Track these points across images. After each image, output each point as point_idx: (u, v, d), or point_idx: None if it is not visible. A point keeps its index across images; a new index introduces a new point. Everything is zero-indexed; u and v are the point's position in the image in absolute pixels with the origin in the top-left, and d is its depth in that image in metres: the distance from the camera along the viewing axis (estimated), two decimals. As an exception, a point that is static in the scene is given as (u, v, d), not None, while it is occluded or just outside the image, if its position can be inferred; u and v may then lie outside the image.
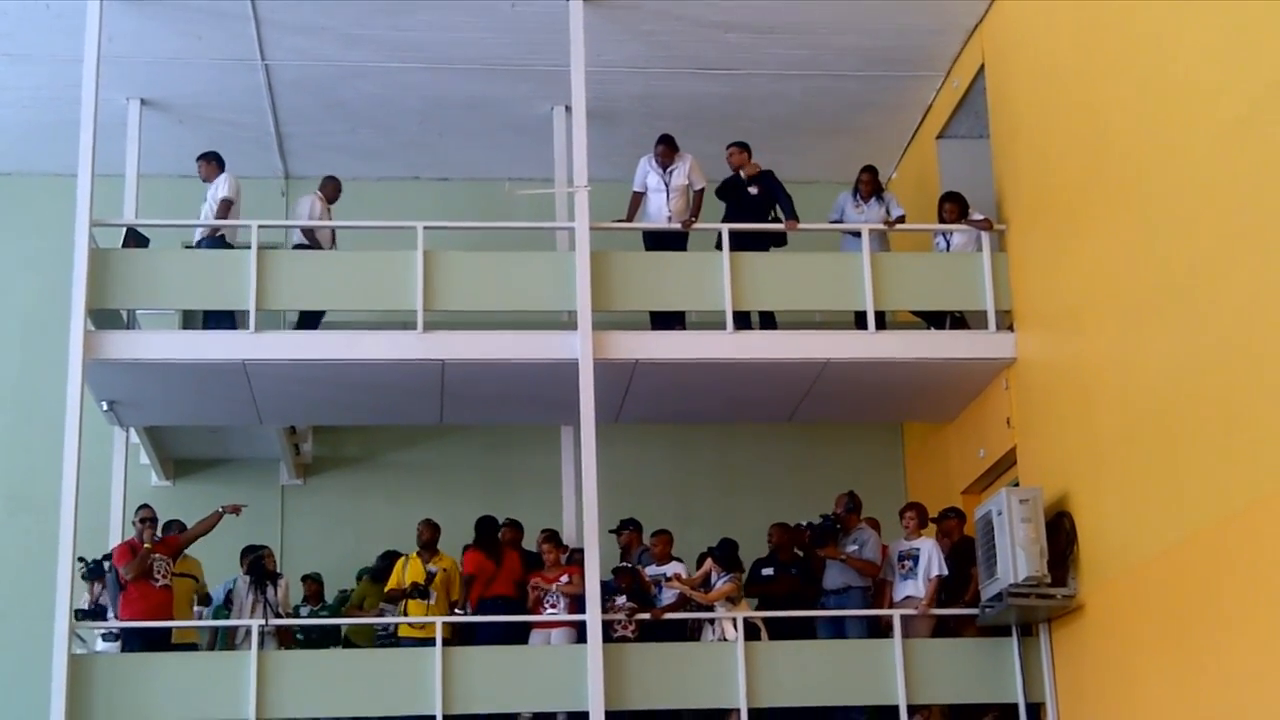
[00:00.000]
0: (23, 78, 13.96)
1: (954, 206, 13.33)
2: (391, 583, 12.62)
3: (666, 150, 13.53)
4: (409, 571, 12.53)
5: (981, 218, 13.19)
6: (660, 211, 13.48)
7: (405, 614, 12.37)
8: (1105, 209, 11.23)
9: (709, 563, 12.63)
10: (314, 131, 15.11)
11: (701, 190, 13.58)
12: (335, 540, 14.90)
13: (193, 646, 12.43)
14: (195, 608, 12.68)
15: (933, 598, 12.43)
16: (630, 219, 13.64)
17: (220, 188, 13.21)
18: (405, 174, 15.88)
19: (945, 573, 12.46)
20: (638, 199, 13.64)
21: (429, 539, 12.76)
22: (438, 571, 12.48)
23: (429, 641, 12.02)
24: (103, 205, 12.89)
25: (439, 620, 12.06)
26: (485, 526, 12.85)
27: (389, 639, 12.58)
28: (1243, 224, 9.29)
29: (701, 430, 15.45)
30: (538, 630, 12.41)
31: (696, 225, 13.39)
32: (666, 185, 13.48)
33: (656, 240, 13.52)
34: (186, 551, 12.61)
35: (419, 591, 12.32)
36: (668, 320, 13.16)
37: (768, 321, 13.28)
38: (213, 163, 13.41)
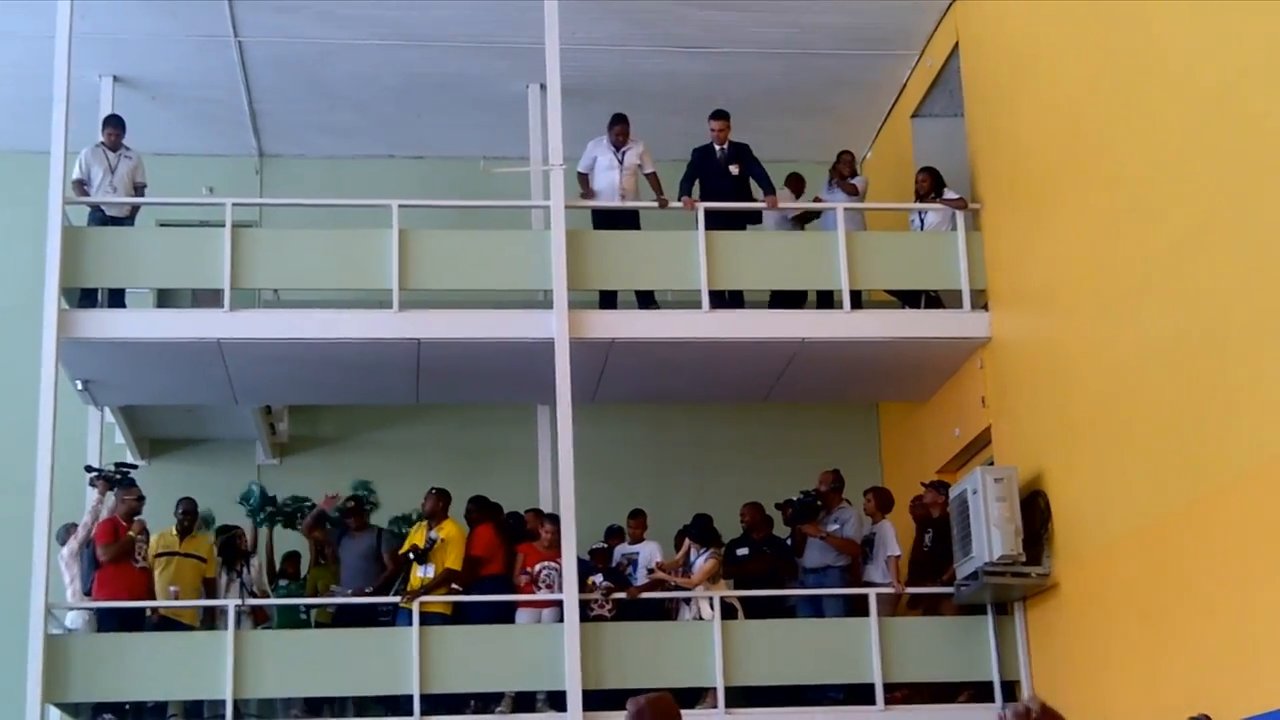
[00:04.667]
0: (-6, 54, 13.89)
1: (927, 177, 13.31)
2: (405, 546, 12.55)
3: (623, 129, 13.46)
4: (413, 537, 12.52)
5: (956, 197, 13.20)
6: (613, 189, 13.41)
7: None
8: (1079, 188, 11.25)
9: (687, 542, 12.64)
10: (289, 109, 15.04)
11: (653, 174, 13.51)
12: (311, 520, 14.86)
13: (188, 628, 12.35)
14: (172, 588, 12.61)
15: (898, 577, 12.51)
16: (592, 198, 13.54)
17: None
18: (381, 152, 15.82)
19: (898, 553, 12.54)
20: (584, 180, 13.56)
21: (434, 508, 12.51)
22: (437, 539, 12.36)
23: (429, 616, 12.03)
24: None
25: (430, 598, 12.07)
26: (490, 507, 12.76)
27: (389, 612, 12.49)
28: (1217, 204, 9.31)
29: (677, 410, 15.45)
30: (528, 609, 12.41)
31: (671, 204, 13.37)
32: (620, 164, 13.42)
33: (608, 218, 13.44)
34: (196, 532, 12.63)
35: (417, 556, 12.28)
36: (641, 299, 13.14)
37: (735, 300, 13.25)
38: None
